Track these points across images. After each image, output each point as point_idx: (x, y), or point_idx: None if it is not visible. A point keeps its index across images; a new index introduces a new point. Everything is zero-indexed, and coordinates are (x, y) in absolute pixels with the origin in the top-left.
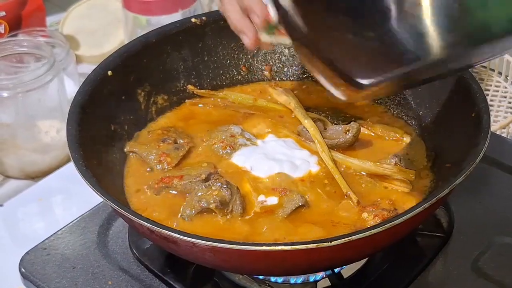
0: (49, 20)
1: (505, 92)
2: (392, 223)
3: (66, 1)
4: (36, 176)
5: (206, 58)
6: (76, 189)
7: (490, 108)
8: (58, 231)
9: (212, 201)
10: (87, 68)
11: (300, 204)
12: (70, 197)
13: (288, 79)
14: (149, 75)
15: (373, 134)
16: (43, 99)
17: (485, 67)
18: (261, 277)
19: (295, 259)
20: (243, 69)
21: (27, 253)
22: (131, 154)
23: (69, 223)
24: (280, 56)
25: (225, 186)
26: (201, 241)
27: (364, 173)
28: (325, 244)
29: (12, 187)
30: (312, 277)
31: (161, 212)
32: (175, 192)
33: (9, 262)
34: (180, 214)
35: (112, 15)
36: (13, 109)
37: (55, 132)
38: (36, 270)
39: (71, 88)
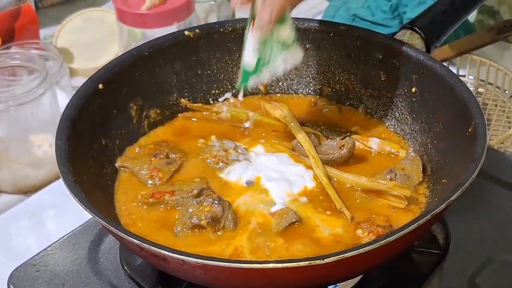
0: (43, 32)
1: (503, 107)
2: (386, 240)
3: (60, 13)
4: (28, 191)
5: (199, 72)
6: (69, 204)
7: (488, 122)
8: (48, 247)
9: (203, 218)
10: (81, 82)
11: (293, 220)
12: (62, 212)
13: (283, 93)
14: (141, 89)
15: (368, 149)
16: (36, 113)
17: (483, 81)
18: None
19: (288, 277)
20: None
21: (16, 269)
22: (122, 169)
23: (59, 239)
24: None
25: (216, 202)
26: (191, 259)
27: (359, 189)
28: (318, 262)
29: (4, 202)
30: None
31: (152, 228)
32: (167, 207)
33: None
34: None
35: (107, 28)
36: (5, 123)
37: (47, 146)
38: (25, 287)
39: (64, 101)
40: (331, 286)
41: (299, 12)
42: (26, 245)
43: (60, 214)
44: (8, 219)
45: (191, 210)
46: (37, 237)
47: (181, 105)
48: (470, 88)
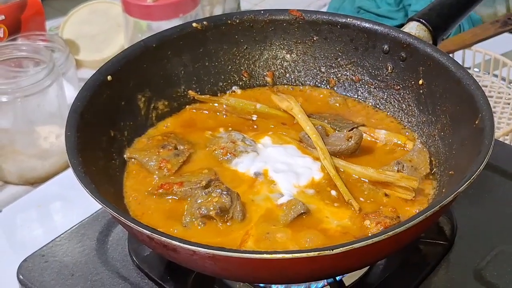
0: (49, 24)
1: (508, 99)
2: (394, 231)
3: (66, 5)
4: (35, 182)
5: (207, 63)
6: (75, 195)
7: (493, 114)
8: (56, 237)
9: (212, 208)
10: (87, 73)
11: (302, 211)
12: (69, 203)
13: (290, 84)
14: (149, 80)
15: (375, 141)
16: (42, 104)
17: (488, 73)
18: (262, 285)
19: (296, 267)
20: (245, 75)
21: (25, 260)
22: (130, 160)
23: (68, 230)
24: (282, 62)
25: (225, 193)
26: (201, 249)
27: (366, 180)
28: (327, 252)
29: (10, 193)
30: (313, 285)
31: (161, 219)
32: (175, 198)
33: (7, 269)
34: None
35: (112, 19)
36: (12, 114)
37: (54, 137)
38: (34, 277)
39: (71, 93)
40: (339, 276)
41: (304, 4)
42: (33, 236)
43: (67, 205)
44: (14, 211)
45: (199, 201)
46: (44, 228)
47: (188, 97)
48: None
